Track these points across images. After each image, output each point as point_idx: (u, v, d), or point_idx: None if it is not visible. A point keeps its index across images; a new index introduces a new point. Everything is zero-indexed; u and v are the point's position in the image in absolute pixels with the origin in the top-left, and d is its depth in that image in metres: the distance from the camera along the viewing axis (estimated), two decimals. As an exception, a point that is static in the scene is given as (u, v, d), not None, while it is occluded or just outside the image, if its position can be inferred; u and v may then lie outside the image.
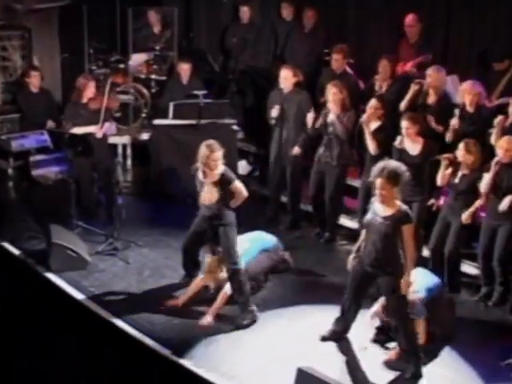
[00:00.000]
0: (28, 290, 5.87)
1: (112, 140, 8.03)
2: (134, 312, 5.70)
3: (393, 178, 4.92)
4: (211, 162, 5.64)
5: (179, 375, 5.08)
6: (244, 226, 6.00)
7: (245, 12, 9.07)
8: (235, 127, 8.34)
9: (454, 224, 6.06)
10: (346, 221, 7.40)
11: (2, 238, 6.70)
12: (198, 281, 5.83)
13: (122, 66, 9.11)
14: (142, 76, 9.17)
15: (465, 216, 5.97)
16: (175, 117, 8.04)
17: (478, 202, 5.97)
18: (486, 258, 5.98)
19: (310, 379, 4.57)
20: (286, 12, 8.89)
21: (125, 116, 8.68)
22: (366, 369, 5.10)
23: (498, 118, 6.12)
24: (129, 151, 8.83)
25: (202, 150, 5.71)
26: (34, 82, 8.12)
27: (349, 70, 7.94)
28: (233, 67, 9.16)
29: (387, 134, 6.54)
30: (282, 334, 5.49)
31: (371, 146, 6.55)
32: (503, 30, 7.60)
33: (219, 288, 5.75)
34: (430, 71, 6.78)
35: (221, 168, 5.71)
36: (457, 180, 6.01)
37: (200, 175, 5.76)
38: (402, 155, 6.23)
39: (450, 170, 6.02)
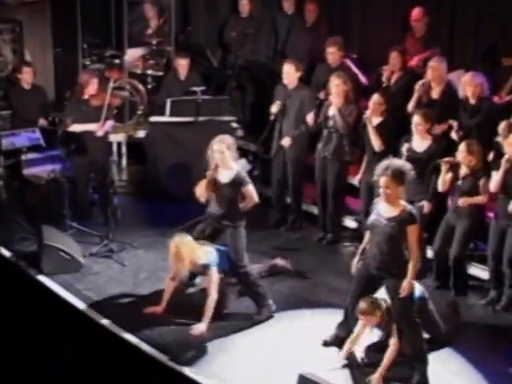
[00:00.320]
0: (19, 293, 5.86)
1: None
2: (130, 316, 5.71)
3: (398, 176, 4.93)
4: (225, 157, 5.63)
5: (177, 382, 5.08)
6: (247, 228, 5.98)
7: (244, 5, 9.07)
8: (234, 124, 8.36)
9: (458, 227, 6.06)
10: (348, 222, 7.42)
11: (-8, 240, 6.73)
12: (168, 281, 5.79)
13: (117, 61, 9.11)
14: (138, 71, 9.17)
15: (462, 200, 5.95)
16: (172, 114, 8.04)
17: (479, 199, 5.96)
18: (495, 259, 5.98)
19: (312, 386, 4.58)
20: (287, 5, 8.89)
21: (120, 113, 8.69)
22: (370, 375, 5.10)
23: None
24: (124, 149, 8.84)
25: (216, 144, 5.71)
26: (26, 77, 8.12)
27: (351, 64, 7.95)
28: (232, 62, 9.16)
29: (390, 129, 6.55)
30: (282, 339, 5.50)
31: (376, 143, 6.56)
32: (512, 24, 7.62)
33: (193, 273, 5.63)
34: (431, 64, 6.77)
35: (235, 167, 5.71)
36: (460, 182, 6.02)
37: (212, 172, 5.74)
38: (408, 151, 6.26)
39: (450, 175, 6.02)
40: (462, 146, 5.96)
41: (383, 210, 5.01)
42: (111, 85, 7.38)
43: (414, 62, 7.63)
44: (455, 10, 8.08)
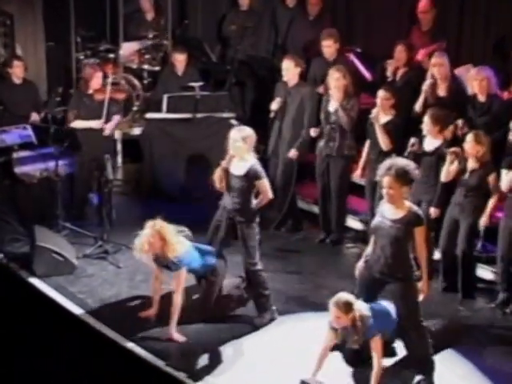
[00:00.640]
0: (10, 297, 5.86)
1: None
2: (126, 320, 5.72)
3: (401, 176, 4.90)
4: (241, 147, 5.65)
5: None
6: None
7: (244, -3, 9.09)
8: (234, 121, 8.35)
9: (463, 223, 6.07)
10: (352, 222, 7.43)
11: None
12: (154, 283, 5.77)
13: (111, 55, 9.11)
14: (134, 66, 9.17)
15: (482, 221, 5.99)
16: (169, 110, 8.05)
17: (492, 202, 5.99)
18: (504, 261, 5.99)
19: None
20: (289, -3, 8.90)
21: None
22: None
23: None
24: (119, 147, 8.83)
25: (233, 132, 5.73)
26: (17, 72, 8.12)
27: (355, 59, 7.95)
28: (231, 57, 9.17)
29: (398, 127, 6.55)
30: (284, 343, 5.51)
31: (383, 142, 6.56)
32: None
33: (161, 257, 5.55)
34: (435, 59, 6.77)
35: (250, 160, 5.72)
36: (466, 176, 6.02)
37: (225, 162, 5.75)
38: (412, 146, 6.28)
39: (455, 166, 6.02)
40: (470, 137, 5.97)
41: (388, 212, 4.99)
42: (110, 79, 7.41)
43: (420, 56, 7.63)
44: (464, 2, 8.09)
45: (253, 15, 9.16)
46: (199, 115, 8.05)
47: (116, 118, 7.42)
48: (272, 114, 7.25)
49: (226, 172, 5.76)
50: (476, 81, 6.45)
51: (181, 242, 5.54)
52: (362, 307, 4.92)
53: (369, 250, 5.19)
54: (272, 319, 5.78)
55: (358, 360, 5.14)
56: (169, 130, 8.11)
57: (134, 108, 8.93)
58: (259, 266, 5.77)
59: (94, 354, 4.83)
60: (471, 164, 6.01)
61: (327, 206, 7.18)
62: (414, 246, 5.00)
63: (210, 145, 7.87)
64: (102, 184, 7.02)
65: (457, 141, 6.29)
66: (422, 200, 6.28)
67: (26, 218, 7.02)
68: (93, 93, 7.35)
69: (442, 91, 6.80)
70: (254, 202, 5.76)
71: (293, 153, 7.20)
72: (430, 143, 6.28)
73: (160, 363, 5.20)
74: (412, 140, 6.29)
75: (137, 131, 8.60)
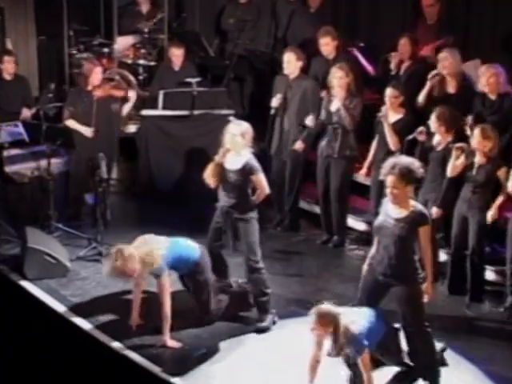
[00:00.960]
0: (0, 300, 5.88)
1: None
2: (120, 325, 5.71)
3: (406, 175, 4.90)
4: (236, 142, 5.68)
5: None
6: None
7: (243, -10, 9.10)
8: (232, 118, 8.35)
9: (473, 221, 6.08)
10: (355, 223, 7.44)
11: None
12: (135, 291, 5.76)
13: (105, 50, 9.11)
14: (129, 61, 9.17)
15: (489, 216, 6.00)
16: (166, 107, 8.05)
17: (500, 198, 5.99)
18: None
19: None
20: (289, -11, 8.92)
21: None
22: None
23: None
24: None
25: (231, 126, 5.77)
26: (8, 67, 8.12)
27: (358, 54, 7.96)
28: (230, 51, 9.18)
29: (408, 126, 6.54)
30: (284, 348, 5.50)
31: (392, 141, 6.56)
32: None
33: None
34: (443, 55, 6.77)
35: (246, 155, 5.73)
36: (473, 171, 6.03)
37: (219, 157, 5.77)
38: (424, 147, 6.30)
39: (462, 161, 6.03)
40: (477, 132, 5.98)
41: (391, 211, 5.00)
42: (111, 76, 7.45)
43: (425, 51, 7.63)
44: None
45: (252, 8, 9.17)
46: (196, 112, 8.05)
47: (132, 98, 7.52)
48: (272, 111, 7.26)
49: (220, 167, 5.77)
50: (484, 77, 6.47)
51: (155, 252, 5.47)
52: (350, 323, 4.77)
53: (372, 250, 5.19)
54: (273, 322, 5.79)
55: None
56: (165, 127, 8.11)
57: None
58: (261, 264, 5.78)
59: (87, 360, 4.84)
60: (479, 159, 6.02)
61: (329, 207, 7.19)
62: (419, 247, 5.01)
63: (207, 143, 7.86)
64: (96, 183, 7.02)
65: (465, 136, 6.30)
66: (429, 199, 6.29)
67: (16, 219, 7.03)
68: (92, 89, 7.36)
69: (450, 88, 6.80)
70: (252, 198, 5.78)
71: (299, 145, 7.21)
72: (438, 141, 6.30)
73: (156, 369, 5.21)
74: (420, 128, 6.31)
75: (132, 129, 8.59)
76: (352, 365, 4.90)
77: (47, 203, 7.07)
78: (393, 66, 7.40)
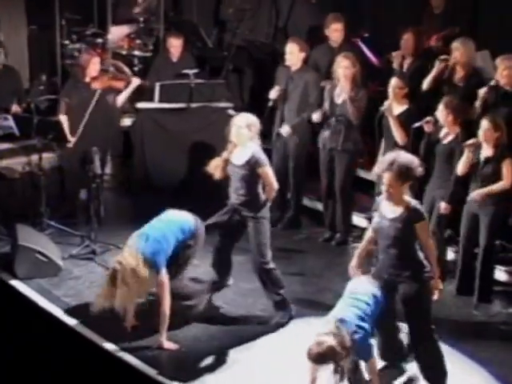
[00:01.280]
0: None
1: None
2: (115, 326, 5.70)
3: (404, 173, 4.89)
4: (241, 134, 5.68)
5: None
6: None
7: (242, -22, 9.10)
8: (231, 111, 8.35)
9: (483, 217, 6.07)
10: (359, 220, 7.43)
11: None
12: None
13: (99, 40, 9.11)
14: (123, 52, 9.18)
15: (476, 194, 5.96)
16: (162, 100, 8.05)
17: (497, 186, 5.96)
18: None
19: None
20: (290, -23, 8.91)
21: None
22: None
23: None
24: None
25: (237, 117, 5.77)
26: (-3, 59, 8.12)
27: (362, 45, 7.95)
28: (229, 42, 9.17)
29: (413, 119, 6.54)
30: (285, 351, 5.50)
31: (398, 136, 6.54)
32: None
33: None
34: (455, 44, 6.78)
35: (252, 147, 5.73)
36: (481, 165, 6.03)
37: (227, 153, 5.78)
38: (431, 139, 6.29)
39: (471, 157, 6.03)
40: (487, 123, 5.96)
41: (386, 210, 4.99)
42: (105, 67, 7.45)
43: (433, 41, 7.63)
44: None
45: (252, -4, 9.17)
46: (194, 105, 8.05)
47: (134, 84, 7.51)
48: (270, 103, 7.24)
49: (227, 163, 5.79)
50: (499, 69, 6.46)
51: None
52: (347, 335, 4.66)
53: (363, 248, 5.20)
54: (291, 318, 5.84)
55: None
56: (161, 120, 8.10)
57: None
58: (271, 265, 5.80)
59: (80, 362, 4.84)
60: (486, 152, 6.01)
61: (332, 203, 7.18)
62: (420, 244, 5.00)
63: (205, 137, 7.87)
64: (89, 179, 7.02)
65: (471, 129, 6.29)
66: (436, 196, 6.29)
67: (7, 216, 7.02)
68: (90, 81, 7.35)
69: (458, 79, 6.79)
70: (263, 196, 5.78)
71: (285, 129, 7.19)
72: (446, 133, 6.29)
73: (151, 372, 5.21)
74: (428, 117, 6.31)
75: (127, 122, 8.58)
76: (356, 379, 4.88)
77: (39, 199, 7.06)
78: (396, 65, 7.40)
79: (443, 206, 6.22)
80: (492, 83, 6.46)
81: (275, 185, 5.82)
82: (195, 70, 8.17)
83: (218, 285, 6.13)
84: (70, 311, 5.90)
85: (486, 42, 7.49)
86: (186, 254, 5.66)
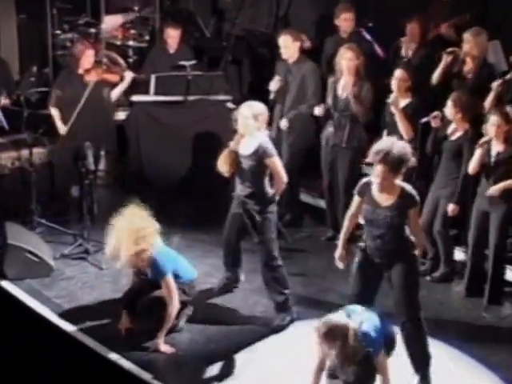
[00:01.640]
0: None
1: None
2: (109, 328, 5.71)
3: (396, 166, 4.92)
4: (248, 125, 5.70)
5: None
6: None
7: (241, -35, 9.08)
8: (230, 105, 8.35)
9: (495, 215, 6.06)
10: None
11: None
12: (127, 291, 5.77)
13: (92, 30, 9.10)
14: (118, 42, 9.17)
15: (493, 190, 5.97)
16: (158, 92, 8.04)
17: (509, 182, 5.96)
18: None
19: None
20: (292, -36, 8.90)
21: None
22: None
23: None
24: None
25: (243, 107, 5.78)
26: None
27: (366, 35, 7.94)
28: (227, 32, 9.16)
29: (419, 111, 6.53)
30: (286, 355, 5.50)
31: (405, 129, 6.52)
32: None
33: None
34: (466, 36, 6.77)
35: (259, 137, 5.74)
36: (492, 162, 6.01)
37: (234, 144, 5.80)
38: (438, 136, 6.29)
39: (482, 154, 6.02)
40: (495, 118, 5.95)
41: (379, 199, 5.03)
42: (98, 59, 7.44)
43: (443, 29, 7.62)
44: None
45: (251, -15, 9.16)
46: (191, 98, 8.04)
47: (128, 78, 7.49)
48: (272, 96, 7.24)
49: (235, 154, 5.80)
50: None
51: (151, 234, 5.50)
52: (359, 324, 4.74)
53: (345, 235, 5.30)
54: (292, 320, 5.84)
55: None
56: (157, 114, 8.09)
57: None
58: (279, 262, 5.82)
59: (73, 366, 4.83)
60: (496, 147, 6.00)
61: (334, 200, 7.18)
62: (409, 230, 5.07)
63: (203, 131, 7.87)
64: (82, 175, 7.02)
65: (481, 124, 6.29)
66: (443, 194, 6.28)
67: (-4, 214, 7.02)
68: (83, 73, 7.34)
69: (468, 72, 6.77)
70: (271, 190, 5.80)
71: (283, 123, 7.20)
72: (453, 130, 6.28)
73: (147, 376, 5.21)
74: (435, 112, 6.30)
75: (121, 116, 8.57)
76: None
77: (29, 196, 7.06)
78: (404, 51, 7.39)
79: (451, 208, 6.22)
80: (508, 76, 6.45)
81: (284, 176, 5.83)
82: (192, 62, 8.16)
83: (230, 281, 6.21)
84: (63, 313, 5.89)
85: (497, 29, 7.46)
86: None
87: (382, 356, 4.84)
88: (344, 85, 6.86)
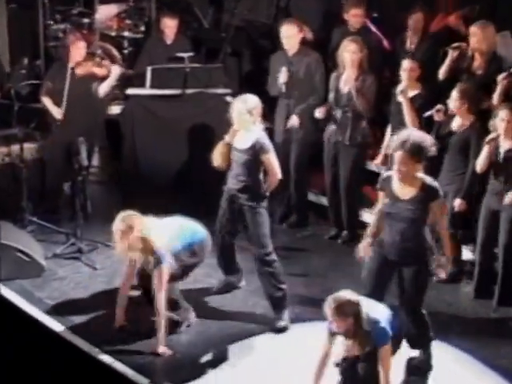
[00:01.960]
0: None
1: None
2: (103, 331, 5.72)
3: (417, 152, 5.00)
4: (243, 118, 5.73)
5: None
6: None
7: (241, -48, 9.07)
8: (229, 98, 8.33)
9: (505, 214, 6.05)
10: (367, 216, 7.41)
11: None
12: (123, 285, 5.77)
13: (86, 20, 9.09)
14: (112, 33, 9.16)
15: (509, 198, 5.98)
16: (154, 85, 8.02)
17: None
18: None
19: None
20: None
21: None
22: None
23: None
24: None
25: (237, 102, 5.81)
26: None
27: (371, 26, 7.93)
28: (226, 22, 9.14)
29: (426, 103, 6.52)
30: (286, 358, 5.51)
31: (412, 121, 6.52)
32: None
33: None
34: (473, 29, 6.75)
35: (256, 132, 5.76)
36: (501, 158, 6.01)
37: (229, 137, 5.85)
38: (441, 131, 6.28)
39: (490, 151, 6.01)
40: (503, 113, 5.94)
41: (400, 192, 5.09)
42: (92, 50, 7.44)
43: (451, 20, 7.61)
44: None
45: (251, -27, 9.15)
46: (189, 91, 8.02)
47: (114, 73, 7.46)
48: (283, 89, 7.19)
49: (230, 148, 5.84)
50: None
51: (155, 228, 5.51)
52: (370, 309, 4.87)
53: (373, 229, 5.28)
54: (290, 321, 5.86)
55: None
56: (153, 108, 8.07)
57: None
58: (273, 256, 5.85)
59: (66, 369, 4.83)
60: (505, 144, 5.99)
61: (338, 198, 7.18)
62: (432, 223, 5.13)
63: (201, 125, 7.85)
64: (75, 171, 7.01)
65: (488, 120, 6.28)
66: (449, 192, 6.28)
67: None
68: (75, 65, 7.33)
69: (477, 65, 6.76)
70: (264, 186, 5.84)
71: (294, 120, 7.18)
72: (459, 124, 6.28)
73: (143, 381, 5.21)
74: (438, 106, 6.30)
75: (116, 110, 8.56)
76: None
77: (20, 193, 7.06)
78: (408, 45, 7.39)
79: (458, 203, 6.22)
80: None
81: (278, 173, 5.88)
82: (190, 53, 8.14)
83: (227, 283, 6.23)
84: (55, 315, 5.89)
85: (507, 20, 7.46)
86: (187, 261, 5.67)
87: (388, 349, 4.83)
88: (347, 78, 6.85)
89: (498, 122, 5.98)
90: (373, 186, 7.44)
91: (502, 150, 6.02)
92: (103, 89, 7.54)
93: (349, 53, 6.80)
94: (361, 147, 7.03)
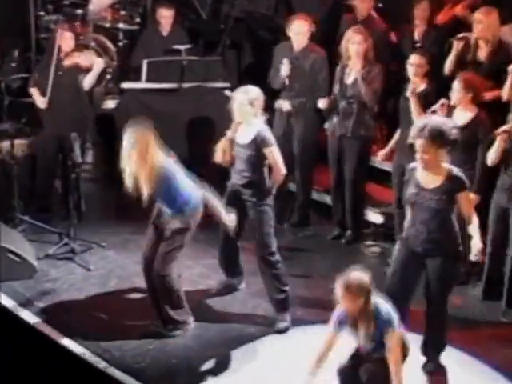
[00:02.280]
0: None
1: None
2: (97, 334, 5.72)
3: (437, 137, 5.01)
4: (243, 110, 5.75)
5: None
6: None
7: None
8: (228, 92, 8.33)
9: None
10: (372, 215, 7.43)
11: None
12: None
13: (79, 11, 9.09)
14: (107, 25, 9.17)
15: None
16: (150, 79, 8.04)
17: None
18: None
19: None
20: None
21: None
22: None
23: None
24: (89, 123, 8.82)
25: (238, 93, 5.82)
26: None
27: (376, 16, 7.94)
28: (225, 13, 9.15)
29: (433, 98, 6.52)
30: (286, 361, 5.51)
31: (416, 112, 6.48)
32: None
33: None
34: (476, 15, 6.74)
35: (257, 125, 5.78)
36: None
37: (231, 132, 5.86)
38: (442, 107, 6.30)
39: (502, 144, 6.01)
40: None
41: (424, 181, 5.11)
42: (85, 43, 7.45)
43: (458, 10, 7.62)
44: None
45: (251, -38, 9.15)
46: (186, 85, 8.04)
47: (97, 66, 7.46)
48: (286, 82, 7.19)
49: (232, 143, 5.85)
50: None
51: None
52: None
53: (406, 224, 5.28)
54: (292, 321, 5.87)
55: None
56: (149, 102, 8.08)
57: (107, 76, 8.90)
58: (277, 257, 5.85)
59: (58, 374, 4.83)
60: None
61: (342, 195, 7.18)
62: (459, 214, 5.15)
63: (199, 121, 7.86)
64: (68, 168, 7.01)
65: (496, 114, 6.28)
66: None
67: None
68: (62, 57, 7.34)
69: (482, 54, 6.76)
70: (269, 182, 5.84)
71: (286, 106, 7.20)
72: (462, 116, 6.25)
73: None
74: (442, 100, 6.31)
75: (111, 104, 8.58)
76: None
77: (10, 191, 7.06)
78: (416, 35, 7.39)
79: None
80: None
81: (282, 169, 5.88)
82: (187, 46, 8.16)
83: (227, 285, 6.24)
84: (47, 317, 5.89)
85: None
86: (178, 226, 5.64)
87: (395, 336, 4.74)
88: (352, 69, 6.86)
89: (510, 114, 5.99)
90: (379, 184, 7.48)
91: None
92: (87, 81, 7.53)
93: (354, 44, 6.82)
94: (364, 140, 7.03)
